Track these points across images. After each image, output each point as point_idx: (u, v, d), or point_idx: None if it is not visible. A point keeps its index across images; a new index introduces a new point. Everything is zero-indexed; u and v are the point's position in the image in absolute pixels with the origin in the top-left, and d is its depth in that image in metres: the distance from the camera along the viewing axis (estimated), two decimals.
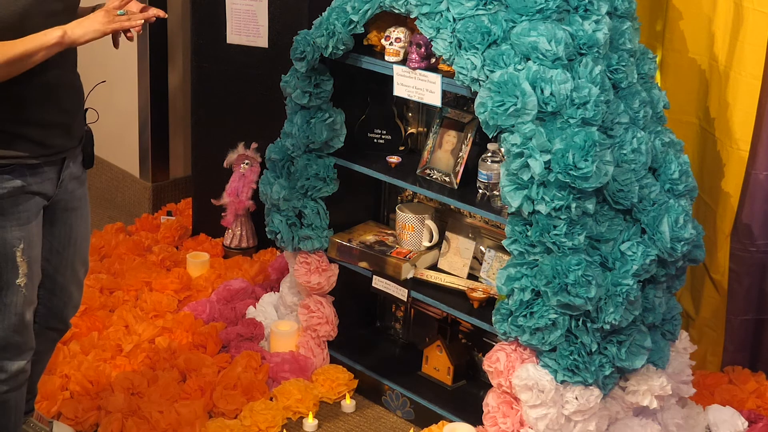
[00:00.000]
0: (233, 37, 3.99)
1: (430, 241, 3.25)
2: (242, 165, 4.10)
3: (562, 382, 2.74)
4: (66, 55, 2.40)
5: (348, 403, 3.28)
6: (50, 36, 2.26)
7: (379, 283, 3.20)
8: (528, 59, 2.67)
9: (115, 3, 2.34)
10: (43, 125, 2.36)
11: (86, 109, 2.59)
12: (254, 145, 4.09)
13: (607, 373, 2.76)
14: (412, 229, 3.25)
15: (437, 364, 3.27)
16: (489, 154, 2.94)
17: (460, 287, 3.10)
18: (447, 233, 3.26)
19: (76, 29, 2.29)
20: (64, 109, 2.42)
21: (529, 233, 2.68)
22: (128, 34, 2.39)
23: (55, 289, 2.69)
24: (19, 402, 2.65)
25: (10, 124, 2.32)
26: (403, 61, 3.00)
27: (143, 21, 2.35)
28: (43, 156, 2.39)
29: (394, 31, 3.00)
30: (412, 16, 2.85)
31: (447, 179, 3.05)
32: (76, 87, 2.50)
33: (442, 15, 2.76)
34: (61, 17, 2.36)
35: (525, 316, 2.71)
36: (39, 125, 2.36)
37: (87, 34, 2.30)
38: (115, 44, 2.44)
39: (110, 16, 2.32)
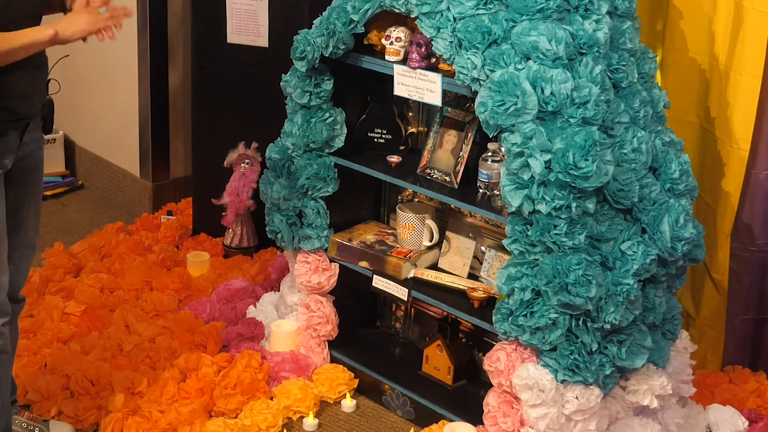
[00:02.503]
0: (234, 36, 3.99)
1: (431, 241, 3.25)
2: (242, 164, 4.10)
3: (563, 381, 2.74)
4: None
5: (348, 403, 3.28)
6: (44, 33, 2.44)
7: (379, 282, 3.20)
8: (528, 59, 2.67)
9: (97, 2, 2.49)
10: (9, 94, 2.50)
11: (48, 80, 2.70)
12: (254, 144, 4.09)
13: (608, 372, 2.76)
14: (413, 228, 3.25)
15: (437, 363, 3.27)
16: (489, 154, 2.95)
17: (461, 287, 3.10)
18: (447, 233, 3.26)
19: (66, 30, 2.46)
20: (29, 82, 2.55)
21: (529, 233, 2.68)
22: (109, 34, 2.53)
23: (9, 252, 2.69)
24: (3, 375, 2.63)
25: None
26: (404, 61, 3.00)
27: (123, 17, 2.53)
28: (8, 121, 2.52)
29: (394, 30, 3.00)
30: (412, 16, 2.85)
31: (447, 179, 3.05)
32: (44, 61, 2.63)
33: (442, 14, 2.76)
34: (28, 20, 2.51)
35: (525, 315, 2.71)
36: (5, 94, 2.49)
37: (76, 34, 2.48)
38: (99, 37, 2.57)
39: (94, 16, 2.48)
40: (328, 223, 3.32)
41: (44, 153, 2.79)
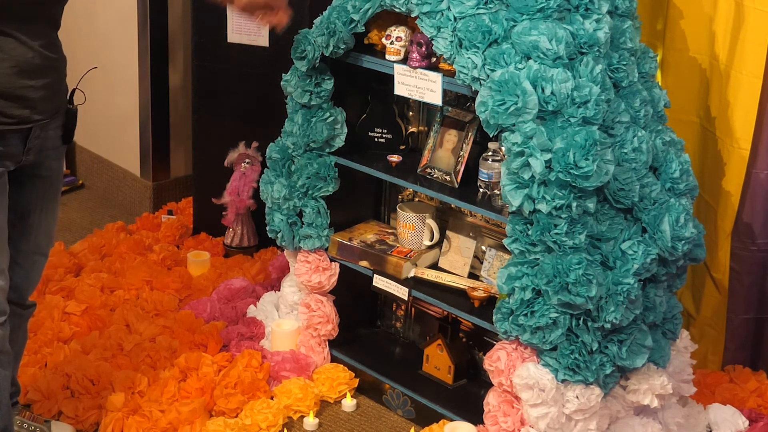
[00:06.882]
0: (234, 36, 3.99)
1: (431, 240, 3.25)
2: (243, 164, 4.10)
3: (563, 381, 2.74)
4: (37, 37, 2.47)
5: (349, 402, 3.28)
6: None
7: (379, 282, 3.20)
8: (529, 58, 2.67)
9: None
10: (4, 97, 2.45)
11: (74, 90, 2.67)
12: (255, 144, 4.09)
13: (608, 372, 2.76)
14: (413, 228, 3.25)
15: (438, 363, 3.27)
16: (490, 153, 2.95)
17: (461, 286, 3.10)
18: (448, 232, 3.26)
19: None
20: (28, 84, 2.50)
21: (529, 232, 2.68)
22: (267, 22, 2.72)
23: (18, 257, 2.68)
24: (2, 375, 2.61)
25: None
26: (404, 60, 3.00)
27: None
28: (3, 124, 2.48)
29: (394, 30, 3.00)
30: (412, 15, 2.85)
31: (448, 178, 3.05)
32: (48, 66, 2.55)
33: (442, 14, 2.76)
34: (46, 5, 2.46)
35: (526, 315, 2.71)
36: (1, 97, 2.45)
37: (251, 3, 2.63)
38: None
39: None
40: (328, 222, 3.32)
41: (62, 165, 2.76)
